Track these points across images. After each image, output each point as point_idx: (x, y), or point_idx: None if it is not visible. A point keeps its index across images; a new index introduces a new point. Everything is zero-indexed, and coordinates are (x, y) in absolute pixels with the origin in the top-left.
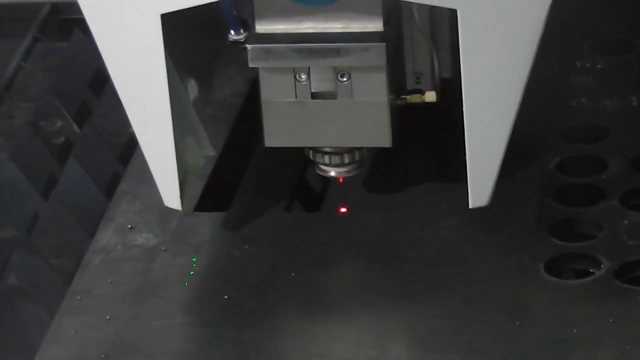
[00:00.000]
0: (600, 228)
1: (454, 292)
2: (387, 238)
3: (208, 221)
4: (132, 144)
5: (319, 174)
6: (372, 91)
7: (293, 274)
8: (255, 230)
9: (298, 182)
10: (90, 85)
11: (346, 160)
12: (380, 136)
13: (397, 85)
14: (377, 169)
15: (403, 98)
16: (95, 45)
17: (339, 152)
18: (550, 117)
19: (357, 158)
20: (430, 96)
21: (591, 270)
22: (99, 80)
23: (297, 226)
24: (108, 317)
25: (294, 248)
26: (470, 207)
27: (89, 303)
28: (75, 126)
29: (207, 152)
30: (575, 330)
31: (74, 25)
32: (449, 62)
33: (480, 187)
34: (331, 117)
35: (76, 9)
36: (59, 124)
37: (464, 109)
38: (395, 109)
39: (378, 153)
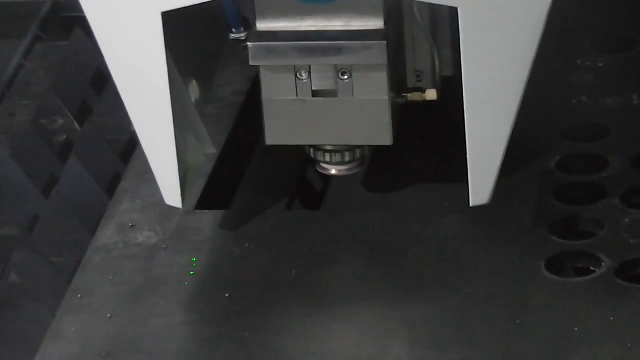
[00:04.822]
0: (601, 226)
1: (454, 290)
2: (388, 236)
3: (209, 219)
4: (133, 142)
5: (320, 172)
6: (373, 89)
7: (294, 272)
8: (256, 229)
9: (299, 180)
10: (91, 83)
11: (347, 159)
12: (381, 134)
13: (398, 83)
14: (378, 167)
15: (404, 96)
16: (96, 44)
17: (339, 150)
18: (552, 115)
19: (358, 156)
20: (431, 94)
21: (592, 269)
22: (100, 79)
23: (298, 224)
24: (109, 316)
25: (294, 246)
26: (470, 205)
27: (90, 301)
28: (76, 124)
29: (207, 150)
30: (576, 329)
31: (74, 24)
32: (450, 60)
33: (481, 186)
34: (332, 115)
35: (77, 7)
36: (60, 122)
37: (464, 107)
38: (396, 107)
39: (379, 151)
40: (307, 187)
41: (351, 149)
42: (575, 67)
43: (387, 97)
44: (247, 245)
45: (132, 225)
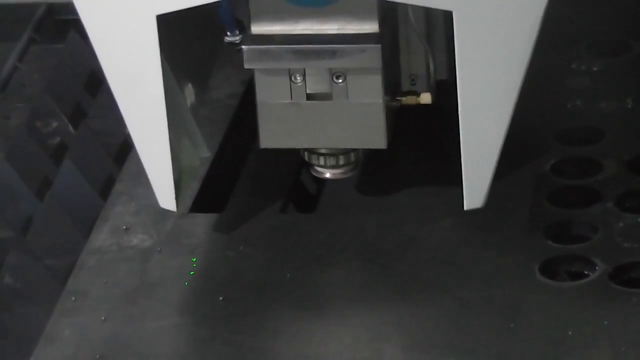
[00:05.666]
0: (596, 230)
1: (449, 293)
2: (383, 239)
3: (203, 222)
4: (127, 144)
5: (314, 175)
6: (368, 92)
7: (288, 275)
8: (250, 232)
9: (293, 183)
10: (86, 86)
11: (341, 162)
12: (376, 137)
13: (392, 86)
14: (373, 169)
15: (398, 99)
16: (91, 46)
17: (334, 153)
18: (546, 118)
19: (352, 159)
20: (426, 98)
21: (586, 273)
22: (95, 81)
23: (292, 227)
24: (103, 318)
25: (289, 249)
26: (465, 209)
27: (84, 304)
28: (70, 127)
29: (202, 154)
30: (569, 332)
31: (69, 27)
32: (445, 63)
33: (475, 189)
34: (326, 118)
35: (72, 10)
36: (54, 124)
37: (459, 110)
38: (391, 110)
39: (374, 154)
40: (302, 190)
41: (345, 152)
42: (570, 71)
43: (381, 101)
44: (241, 248)
45: (126, 228)
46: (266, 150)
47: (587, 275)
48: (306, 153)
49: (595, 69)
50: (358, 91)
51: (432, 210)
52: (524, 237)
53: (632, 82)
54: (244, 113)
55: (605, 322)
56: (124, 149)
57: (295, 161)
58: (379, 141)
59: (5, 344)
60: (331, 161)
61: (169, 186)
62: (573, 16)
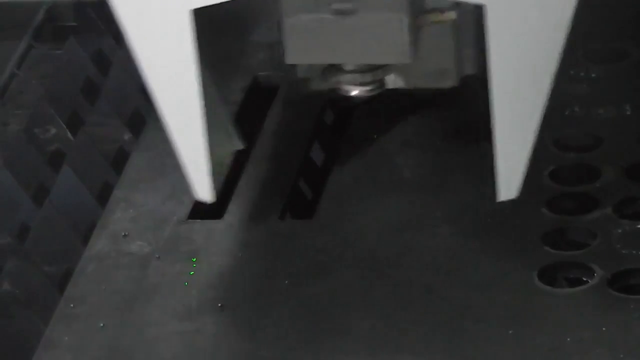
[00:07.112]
0: (594, 236)
1: (447, 299)
2: (381, 246)
3: (202, 229)
4: (125, 151)
5: (342, 96)
6: (392, 6)
7: (286, 282)
8: (248, 238)
9: (292, 190)
10: (84, 92)
11: (368, 79)
12: (400, 52)
13: (416, 1)
14: (371, 176)
15: (423, 16)
16: (89, 52)
17: (361, 70)
18: (544, 125)
19: (378, 77)
20: (450, 15)
21: (584, 279)
22: (93, 88)
23: (291, 234)
24: (101, 325)
25: (287, 256)
26: (498, 200)
27: (83, 310)
28: (69, 133)
29: (235, 146)
30: (568, 339)
31: (68, 33)
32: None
33: (509, 180)
34: (351, 33)
35: (70, 15)
36: (52, 131)
37: (493, 103)
38: (415, 26)
39: (372, 160)
40: (300, 196)
41: (372, 69)
42: (568, 77)
43: (405, 14)
44: (240, 254)
45: (124, 235)
46: (264, 156)
47: (586, 282)
48: (333, 69)
49: (593, 75)
50: (382, 5)
51: (431, 217)
52: (522, 243)
53: (630, 89)
54: (243, 119)
55: (604, 328)
56: (122, 155)
57: (293, 167)
58: (403, 55)
59: (4, 350)
60: (358, 78)
61: (206, 177)
62: (572, 23)
